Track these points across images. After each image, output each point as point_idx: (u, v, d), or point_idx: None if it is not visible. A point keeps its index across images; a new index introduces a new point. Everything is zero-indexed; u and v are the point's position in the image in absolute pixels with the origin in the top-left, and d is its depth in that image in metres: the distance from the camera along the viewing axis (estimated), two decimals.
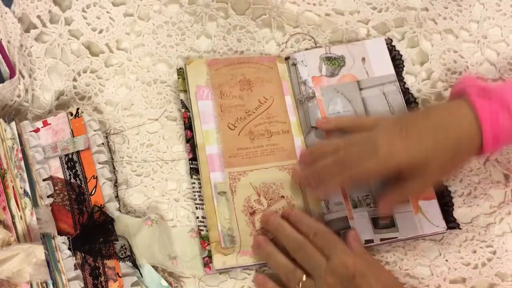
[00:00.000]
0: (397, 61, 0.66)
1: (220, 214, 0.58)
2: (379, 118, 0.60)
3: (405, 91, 0.65)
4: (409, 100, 0.64)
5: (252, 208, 0.59)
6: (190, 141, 0.62)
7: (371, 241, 0.58)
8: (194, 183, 0.61)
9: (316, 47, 0.67)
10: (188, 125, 0.63)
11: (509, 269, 0.60)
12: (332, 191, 0.59)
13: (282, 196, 0.60)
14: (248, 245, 0.58)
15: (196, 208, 0.61)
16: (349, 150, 0.55)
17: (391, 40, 0.67)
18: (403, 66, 0.66)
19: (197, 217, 0.60)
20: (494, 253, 0.60)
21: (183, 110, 0.63)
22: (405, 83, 0.65)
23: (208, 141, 0.61)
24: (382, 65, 0.65)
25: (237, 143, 0.61)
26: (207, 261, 0.58)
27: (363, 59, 0.65)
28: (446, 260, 0.60)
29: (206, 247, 0.58)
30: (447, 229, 0.58)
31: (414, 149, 0.52)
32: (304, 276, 0.53)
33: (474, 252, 0.60)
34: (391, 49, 0.66)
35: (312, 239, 0.55)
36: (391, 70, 0.65)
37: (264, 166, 0.61)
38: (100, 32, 0.68)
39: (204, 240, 0.59)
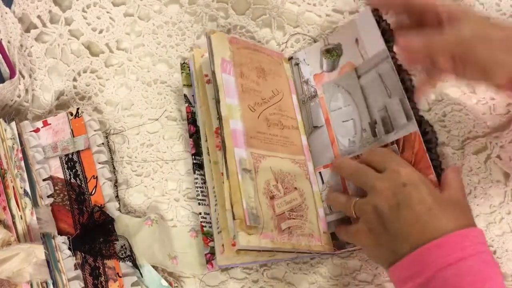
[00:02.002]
0: (387, 34, 0.61)
1: (244, 191, 0.55)
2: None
3: (399, 69, 0.59)
4: (404, 79, 0.59)
5: (271, 192, 0.58)
6: (193, 136, 0.62)
7: None
8: (197, 178, 0.61)
9: (315, 42, 0.67)
10: (191, 120, 0.63)
11: (509, 269, 0.60)
12: None
13: (295, 188, 0.60)
14: (269, 228, 0.55)
15: (199, 204, 0.60)
16: None
17: (378, 10, 0.61)
18: (394, 37, 0.60)
19: (199, 213, 0.60)
20: (494, 253, 0.60)
21: (186, 104, 0.63)
22: (397, 59, 0.60)
23: (232, 116, 0.58)
24: (374, 41, 0.61)
25: (256, 126, 0.60)
26: (209, 258, 0.58)
27: (356, 40, 0.63)
28: None
29: (209, 244, 0.58)
30: None
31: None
32: (358, 197, 0.54)
33: None
34: (379, 21, 0.61)
35: (368, 155, 0.56)
36: (382, 45, 0.60)
37: (279, 155, 0.60)
38: (100, 32, 0.68)
39: (206, 236, 0.59)
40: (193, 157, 0.62)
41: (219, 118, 0.58)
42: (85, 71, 0.67)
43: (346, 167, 0.58)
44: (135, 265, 0.58)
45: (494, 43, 0.53)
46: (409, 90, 0.58)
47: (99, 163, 0.61)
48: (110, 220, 0.58)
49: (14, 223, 0.54)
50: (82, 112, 0.61)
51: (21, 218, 0.54)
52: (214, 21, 0.68)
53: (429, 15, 0.56)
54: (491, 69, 0.55)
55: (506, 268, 0.60)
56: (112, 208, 0.59)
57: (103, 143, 0.62)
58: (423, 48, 0.55)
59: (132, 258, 0.57)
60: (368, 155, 0.57)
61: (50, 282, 0.53)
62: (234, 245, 0.54)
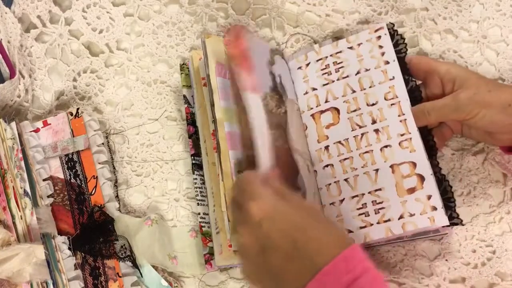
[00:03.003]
0: (400, 46, 0.62)
1: None
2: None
3: (408, 79, 0.60)
4: (412, 88, 0.60)
5: None
6: (193, 136, 0.62)
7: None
8: (196, 179, 0.61)
9: (315, 42, 0.67)
10: (191, 121, 0.63)
11: (509, 269, 0.60)
12: None
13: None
14: None
15: (198, 204, 0.60)
16: None
17: (393, 25, 0.62)
18: (406, 50, 0.61)
19: (198, 214, 0.60)
20: (494, 252, 0.60)
21: (185, 105, 0.63)
22: (408, 69, 0.60)
23: (227, 118, 0.58)
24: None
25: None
26: (208, 258, 0.58)
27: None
28: (446, 260, 0.60)
29: (208, 244, 0.58)
30: (449, 225, 0.55)
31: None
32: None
33: (474, 251, 0.60)
34: (393, 34, 0.62)
35: (233, 188, 0.52)
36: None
37: None
38: (100, 32, 0.68)
39: (205, 236, 0.59)
40: (193, 157, 0.62)
41: (214, 121, 0.58)
42: (85, 71, 0.67)
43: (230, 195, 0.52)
44: (135, 265, 0.58)
45: (492, 110, 0.54)
46: (417, 99, 0.59)
47: (99, 163, 0.61)
48: (110, 220, 0.58)
49: (14, 223, 0.54)
50: (82, 112, 0.61)
51: (21, 218, 0.54)
52: (214, 21, 0.69)
53: (433, 77, 0.58)
54: (494, 134, 0.57)
55: (506, 268, 0.60)
56: (112, 208, 0.60)
57: (103, 143, 0.62)
58: (427, 113, 0.56)
59: (132, 258, 0.58)
60: (232, 189, 0.52)
61: (50, 282, 0.53)
62: (231, 246, 0.54)
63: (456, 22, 0.68)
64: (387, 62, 0.61)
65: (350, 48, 0.63)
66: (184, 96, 0.64)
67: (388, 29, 0.62)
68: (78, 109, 0.61)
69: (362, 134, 0.60)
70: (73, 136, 0.60)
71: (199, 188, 0.61)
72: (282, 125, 0.60)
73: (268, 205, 0.45)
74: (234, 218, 0.50)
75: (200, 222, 0.60)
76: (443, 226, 0.55)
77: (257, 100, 0.55)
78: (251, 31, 0.66)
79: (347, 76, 0.62)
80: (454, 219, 0.55)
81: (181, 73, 0.65)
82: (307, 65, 0.64)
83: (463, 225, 0.57)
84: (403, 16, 0.68)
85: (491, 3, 0.68)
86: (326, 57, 0.64)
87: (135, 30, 0.68)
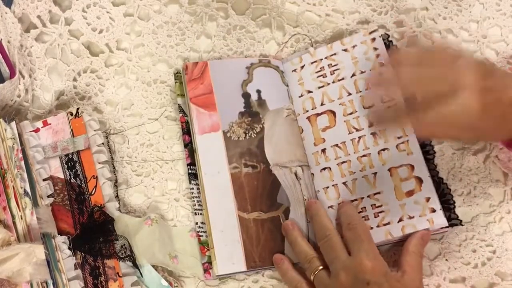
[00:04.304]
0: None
1: None
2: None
3: None
4: None
5: None
6: (188, 146, 0.62)
7: None
8: (192, 188, 0.61)
9: (315, 42, 0.67)
10: (186, 130, 0.63)
11: (509, 269, 0.60)
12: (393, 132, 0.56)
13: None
14: None
15: (195, 214, 0.60)
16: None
17: (388, 36, 0.64)
18: None
19: (196, 223, 0.60)
20: (494, 252, 0.60)
21: (180, 114, 0.63)
22: None
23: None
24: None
25: None
26: (207, 267, 0.58)
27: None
28: (446, 260, 0.60)
29: (206, 253, 0.58)
30: (448, 227, 0.57)
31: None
32: (321, 266, 0.53)
33: (474, 251, 0.60)
34: (388, 44, 0.63)
35: (344, 229, 0.55)
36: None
37: None
38: (100, 32, 0.68)
39: (203, 245, 0.59)
40: (189, 167, 0.62)
41: (194, 151, 0.60)
42: (85, 71, 0.67)
43: (318, 224, 0.56)
44: (135, 265, 0.58)
45: (455, 130, 0.51)
46: None
47: (99, 163, 0.61)
48: (110, 220, 0.58)
49: (14, 223, 0.54)
50: (82, 112, 0.61)
51: (21, 218, 0.54)
52: (214, 21, 0.69)
53: None
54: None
55: (506, 268, 0.60)
56: (112, 208, 0.60)
57: (103, 143, 0.62)
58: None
59: (132, 258, 0.58)
60: (343, 221, 0.56)
61: (50, 282, 0.53)
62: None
63: (456, 22, 0.68)
64: (382, 64, 0.61)
65: (345, 50, 0.63)
66: (179, 106, 0.63)
67: (383, 39, 0.63)
68: (78, 109, 0.61)
69: (359, 137, 0.60)
70: (73, 136, 0.60)
71: (196, 197, 0.61)
72: (254, 148, 0.61)
73: (379, 269, 0.51)
74: (333, 256, 0.53)
75: (197, 231, 0.60)
76: (442, 228, 0.55)
77: (215, 139, 0.60)
78: (219, 58, 0.67)
79: (343, 79, 0.62)
80: (453, 220, 0.56)
81: (176, 82, 0.65)
82: (302, 67, 0.64)
83: (462, 225, 0.58)
84: (403, 16, 0.68)
85: (491, 3, 0.68)
86: (321, 59, 0.64)
87: (135, 30, 0.68)
